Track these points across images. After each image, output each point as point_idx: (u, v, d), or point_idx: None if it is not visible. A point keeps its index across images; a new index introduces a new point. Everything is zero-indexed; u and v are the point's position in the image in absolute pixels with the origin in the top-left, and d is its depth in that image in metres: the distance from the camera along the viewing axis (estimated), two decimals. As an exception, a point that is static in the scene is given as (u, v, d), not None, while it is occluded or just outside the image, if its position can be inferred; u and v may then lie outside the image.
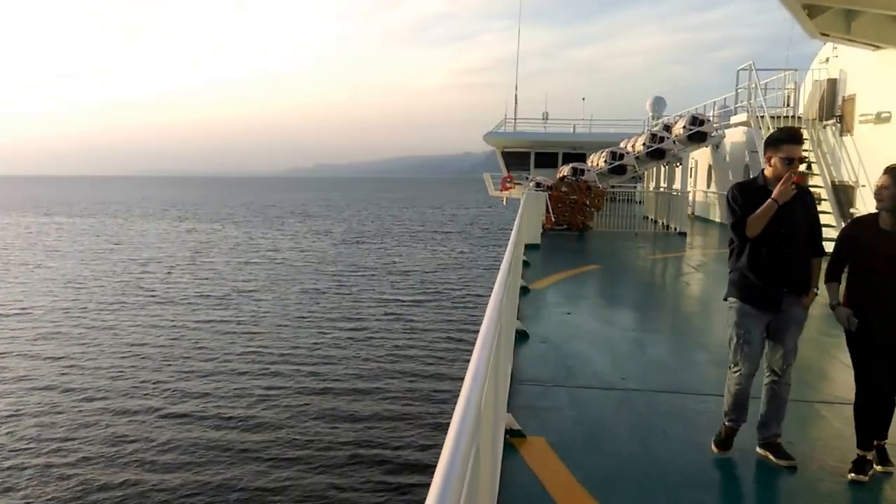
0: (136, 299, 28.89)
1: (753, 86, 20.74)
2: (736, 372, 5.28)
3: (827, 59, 19.68)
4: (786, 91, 21.68)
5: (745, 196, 5.12)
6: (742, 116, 21.63)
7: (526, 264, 15.62)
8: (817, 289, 5.33)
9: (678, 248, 20.63)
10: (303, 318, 25.46)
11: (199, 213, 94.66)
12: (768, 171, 5.13)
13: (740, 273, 5.23)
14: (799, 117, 20.35)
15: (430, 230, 66.88)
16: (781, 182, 4.92)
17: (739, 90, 22.07)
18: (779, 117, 20.13)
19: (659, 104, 37.88)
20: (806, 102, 20.16)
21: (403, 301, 28.72)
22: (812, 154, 19.50)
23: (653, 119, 37.35)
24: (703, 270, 16.62)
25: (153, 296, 29.72)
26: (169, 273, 36.55)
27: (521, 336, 8.98)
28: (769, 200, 4.93)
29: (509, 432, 5.62)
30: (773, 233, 5.04)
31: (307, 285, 32.53)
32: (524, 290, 12.44)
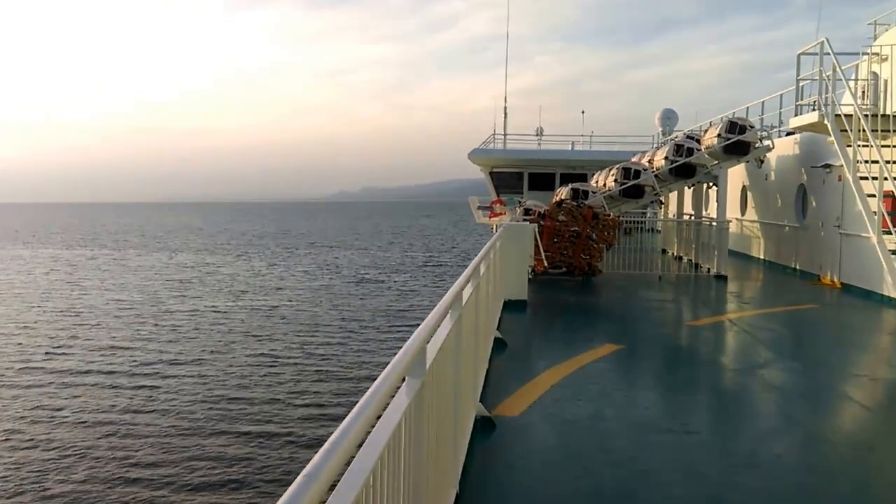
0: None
1: (828, 74, 13.52)
2: None
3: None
4: (862, 82, 14.43)
5: None
6: (806, 118, 14.44)
7: (500, 346, 8.50)
8: None
9: (724, 302, 13.40)
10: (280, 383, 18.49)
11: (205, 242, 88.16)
12: None
13: None
14: (892, 116, 13.17)
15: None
16: None
17: (803, 83, 14.85)
18: (871, 115, 12.89)
19: (670, 118, 30.74)
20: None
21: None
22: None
23: (663, 135, 30.19)
24: (792, 353, 9.35)
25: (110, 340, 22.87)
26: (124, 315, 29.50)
27: None
28: None
29: None
30: None
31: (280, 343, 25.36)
32: (484, 425, 5.98)
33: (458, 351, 4.46)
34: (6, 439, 14.75)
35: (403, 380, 2.82)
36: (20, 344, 23.52)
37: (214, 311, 29.73)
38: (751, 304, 13.24)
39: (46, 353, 22.18)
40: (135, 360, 20.99)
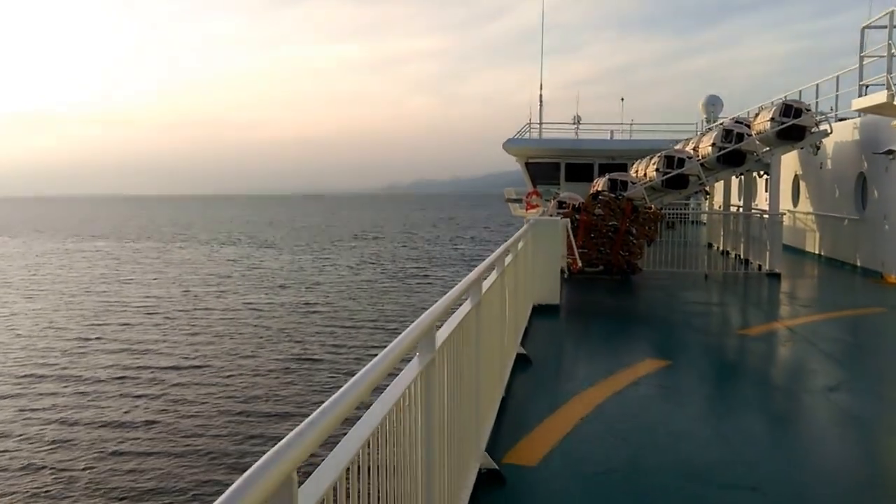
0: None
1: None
2: None
3: None
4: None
5: None
6: (873, 98, 12.68)
7: (523, 363, 7.13)
8: None
9: (780, 304, 11.79)
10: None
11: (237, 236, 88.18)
12: None
13: None
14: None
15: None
16: None
17: (867, 60, 13.04)
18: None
19: (715, 105, 28.71)
20: None
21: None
22: None
23: (707, 123, 28.22)
24: (868, 372, 7.75)
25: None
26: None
27: None
28: None
29: None
30: None
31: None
32: (491, 479, 4.58)
33: (431, 415, 3.11)
34: (24, 437, 14.04)
35: None
36: (46, 345, 22.89)
37: (251, 309, 28.74)
38: (810, 307, 11.59)
39: (72, 351, 21.46)
40: (162, 361, 20.10)
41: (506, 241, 6.93)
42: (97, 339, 23.23)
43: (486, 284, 5.00)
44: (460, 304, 4.30)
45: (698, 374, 7.53)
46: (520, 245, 7.86)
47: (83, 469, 12.70)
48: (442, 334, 3.44)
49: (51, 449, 13.66)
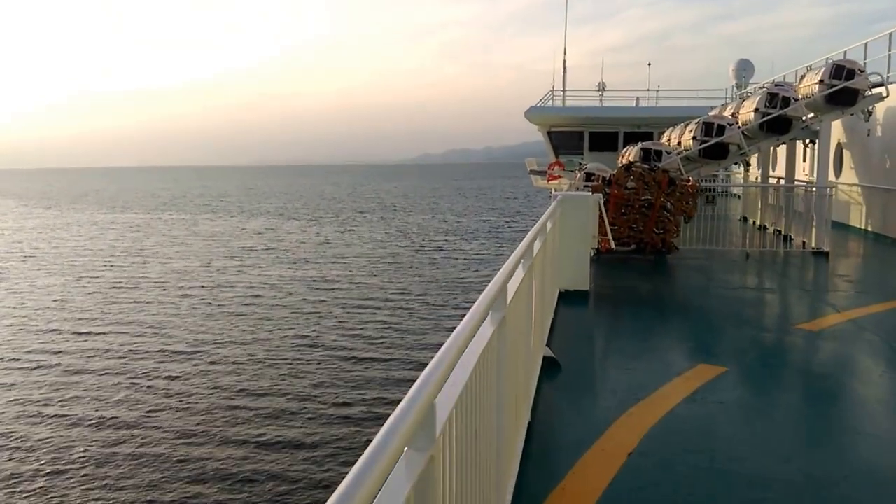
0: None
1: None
2: None
3: None
4: None
5: None
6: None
7: (549, 369, 5.60)
8: None
9: (837, 290, 10.32)
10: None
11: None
12: None
13: None
14: None
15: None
16: None
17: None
18: None
19: (746, 70, 26.77)
20: None
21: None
22: None
23: (738, 88, 26.32)
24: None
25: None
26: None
27: None
28: None
29: None
30: None
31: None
32: None
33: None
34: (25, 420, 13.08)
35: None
36: (59, 319, 21.99)
37: (270, 286, 27.58)
38: (869, 293, 10.05)
39: (84, 329, 20.52)
40: (171, 344, 19.07)
41: (531, 215, 5.54)
42: (111, 316, 22.28)
43: (511, 287, 3.64)
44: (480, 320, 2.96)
45: (760, 385, 6.10)
46: (548, 226, 6.48)
47: (80, 460, 11.72)
48: (447, 400, 2.08)
49: (45, 435, 12.69)
